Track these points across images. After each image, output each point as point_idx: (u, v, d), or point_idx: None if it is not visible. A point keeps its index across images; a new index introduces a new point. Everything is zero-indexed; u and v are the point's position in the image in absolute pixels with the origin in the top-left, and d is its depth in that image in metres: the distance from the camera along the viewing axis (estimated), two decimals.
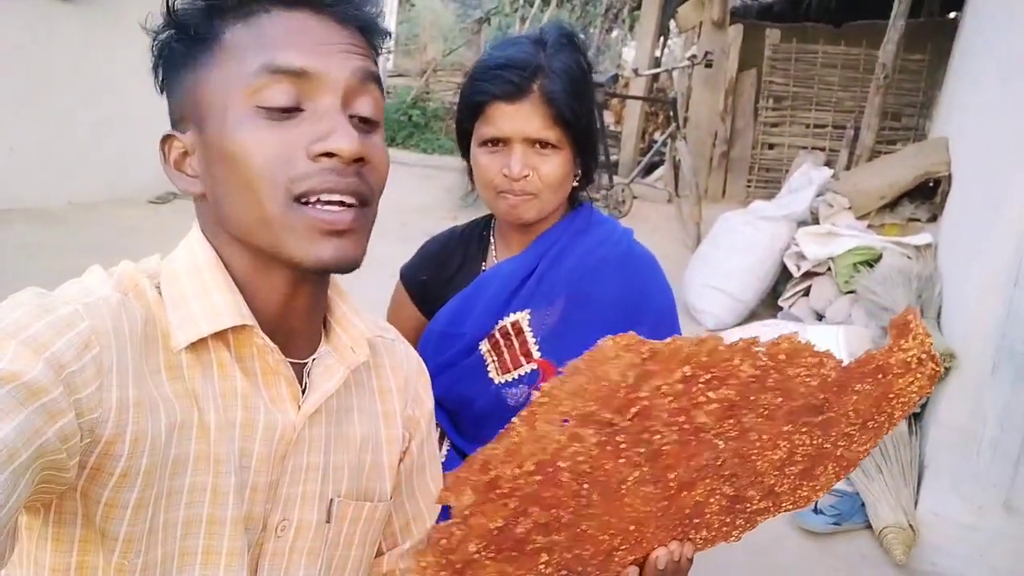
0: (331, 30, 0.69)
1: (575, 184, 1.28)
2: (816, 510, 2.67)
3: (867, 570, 2.46)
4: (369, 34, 0.73)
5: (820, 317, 4.06)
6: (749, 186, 6.87)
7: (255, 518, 0.72)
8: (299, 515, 0.75)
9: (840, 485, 2.86)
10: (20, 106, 4.88)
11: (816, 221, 4.54)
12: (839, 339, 3.44)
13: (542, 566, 0.74)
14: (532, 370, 1.24)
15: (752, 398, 0.71)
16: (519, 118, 1.17)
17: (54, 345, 0.57)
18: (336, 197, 0.66)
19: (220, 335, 0.69)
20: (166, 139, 0.72)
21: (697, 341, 0.69)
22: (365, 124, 0.70)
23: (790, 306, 4.27)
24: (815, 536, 2.60)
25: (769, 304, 4.48)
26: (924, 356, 0.77)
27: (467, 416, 1.29)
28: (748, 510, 0.80)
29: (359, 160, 0.67)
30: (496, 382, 1.25)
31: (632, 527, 0.76)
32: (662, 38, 8.38)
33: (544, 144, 1.18)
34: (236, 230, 0.69)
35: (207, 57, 0.67)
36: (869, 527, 2.63)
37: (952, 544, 2.50)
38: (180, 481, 0.66)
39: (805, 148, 6.59)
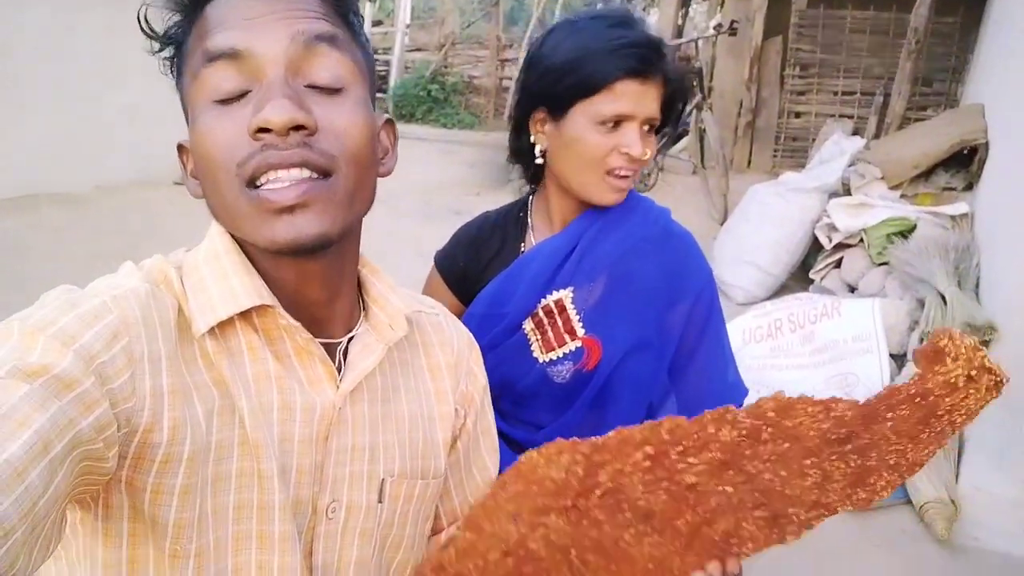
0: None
1: None
2: None
3: (908, 546, 2.44)
4: None
5: (852, 289, 4.02)
6: (775, 156, 6.78)
7: (303, 501, 0.71)
8: (348, 496, 0.74)
9: None
10: (47, 91, 4.91)
11: (847, 192, 4.47)
12: (874, 312, 3.40)
13: None
14: (577, 347, 1.24)
15: (747, 452, 0.69)
16: (646, 98, 1.16)
17: (83, 337, 0.57)
18: (282, 173, 0.63)
19: (246, 318, 0.69)
20: (180, 149, 0.73)
21: (651, 425, 0.68)
22: (324, 91, 0.66)
23: (821, 279, 4.22)
24: (853, 512, 2.58)
25: (800, 277, 4.43)
26: (976, 372, 0.71)
27: (509, 396, 1.28)
28: (795, 522, 0.76)
29: (299, 128, 0.62)
30: (540, 360, 1.25)
31: (651, 565, 0.73)
32: (684, 6, 8.22)
33: (653, 125, 1.19)
34: (223, 224, 0.70)
35: (181, 62, 0.69)
36: (909, 502, 2.61)
37: (995, 519, 2.48)
38: (227, 467, 0.66)
39: (832, 116, 6.47)
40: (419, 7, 13.32)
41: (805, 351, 3.47)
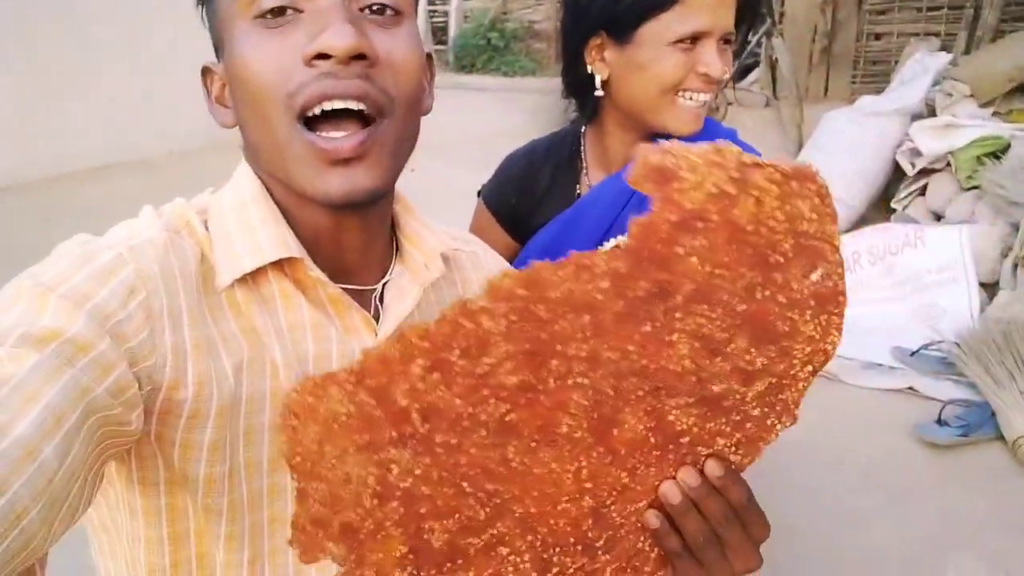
0: None
1: None
2: (940, 421, 2.51)
3: (999, 482, 2.29)
4: None
5: (939, 218, 3.76)
6: (854, 82, 6.37)
7: None
8: None
9: (967, 393, 2.67)
10: (119, 58, 5.00)
11: (932, 113, 4.15)
12: (962, 239, 3.19)
13: (512, 559, 0.60)
14: None
15: (543, 336, 0.53)
16: (723, 7, 1.06)
17: (97, 295, 0.54)
18: (338, 104, 0.58)
19: (278, 266, 0.65)
20: (205, 72, 0.68)
21: (390, 340, 0.53)
22: (381, 16, 0.61)
23: (904, 208, 3.97)
24: (940, 449, 2.44)
25: (881, 208, 4.18)
26: (737, 173, 0.51)
27: None
28: (747, 400, 0.57)
29: (361, 58, 0.58)
30: None
31: (588, 484, 0.59)
32: None
33: (730, 39, 1.09)
34: (259, 160, 0.65)
35: None
36: (1001, 438, 2.45)
37: None
38: (259, 419, 0.63)
39: (917, 35, 6.02)
40: None
41: (886, 284, 3.29)
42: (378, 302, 0.72)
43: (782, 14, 6.61)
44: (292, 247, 0.64)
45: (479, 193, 1.35)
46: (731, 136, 1.19)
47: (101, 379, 0.51)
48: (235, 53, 0.61)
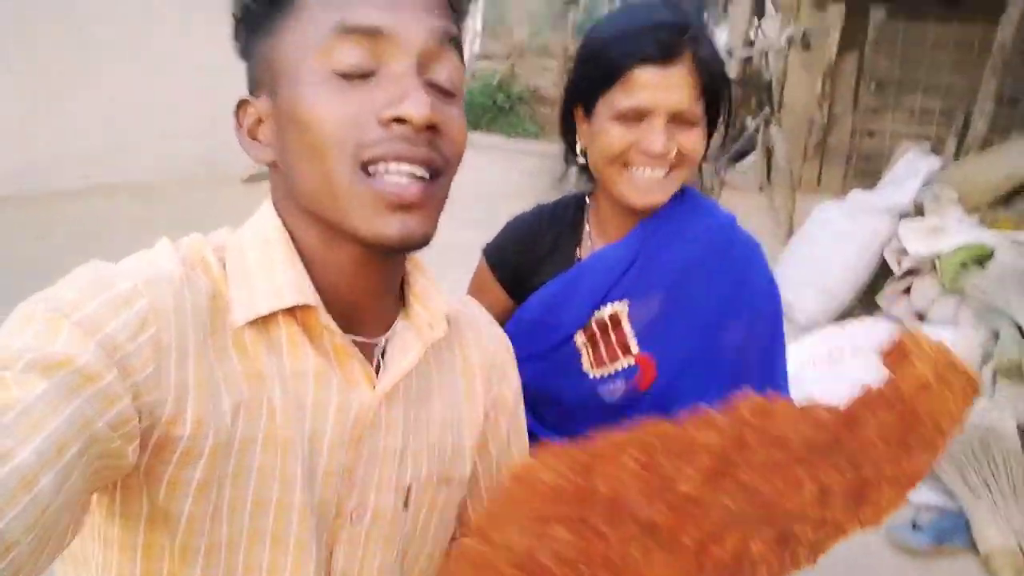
0: None
1: None
2: (914, 526, 2.50)
3: None
4: None
5: (922, 318, 3.82)
6: (846, 176, 6.52)
7: (328, 503, 0.68)
8: (375, 501, 0.71)
9: (941, 501, 2.67)
10: (124, 80, 4.99)
11: (921, 214, 4.26)
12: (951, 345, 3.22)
13: None
14: (630, 364, 1.15)
15: (736, 459, 0.67)
16: (668, 86, 1.05)
17: (109, 326, 0.55)
18: (405, 167, 0.62)
19: (290, 311, 0.66)
20: (241, 105, 0.69)
21: (637, 429, 0.67)
22: (442, 93, 0.66)
23: (889, 305, 4.03)
24: (913, 554, 2.43)
25: (867, 302, 4.24)
26: (943, 371, 0.71)
27: (555, 408, 1.22)
28: (804, 542, 0.74)
29: (432, 128, 0.63)
30: (591, 376, 1.18)
31: None
32: (756, 19, 8.04)
33: (686, 118, 1.08)
34: (304, 200, 0.66)
35: (283, 19, 0.65)
36: (974, 549, 2.45)
37: None
38: (249, 462, 0.63)
39: (909, 136, 6.20)
40: (489, 17, 13.41)
41: (868, 380, 3.31)
42: (380, 356, 0.73)
43: (781, 104, 6.81)
44: (308, 295, 0.65)
45: (484, 250, 1.36)
46: (730, 221, 1.22)
47: (104, 411, 0.52)
48: (301, 99, 0.63)
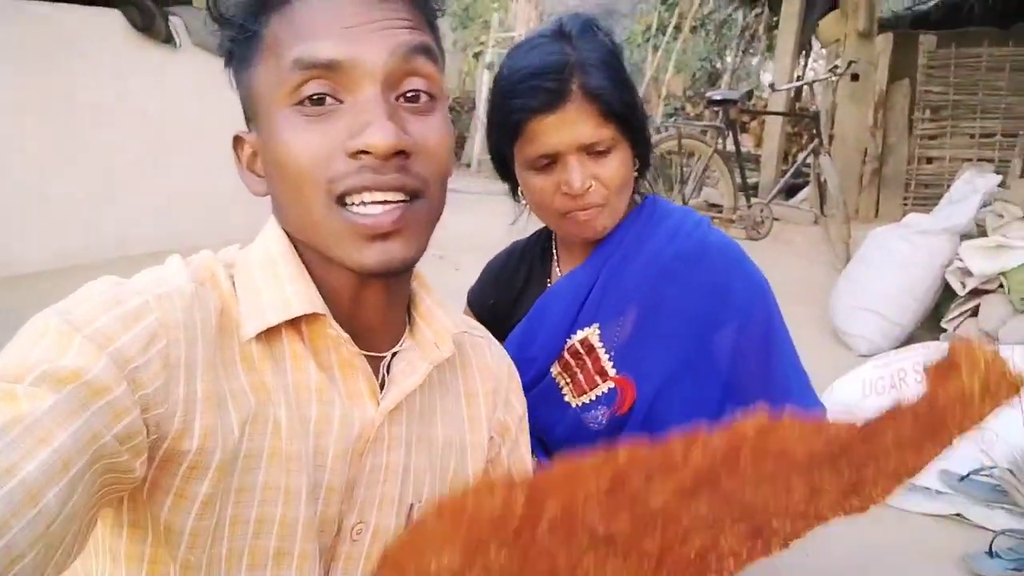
0: (367, 5, 0.62)
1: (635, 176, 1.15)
2: (991, 553, 2.32)
3: None
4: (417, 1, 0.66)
5: (992, 339, 3.61)
6: (906, 204, 6.34)
7: (329, 519, 0.67)
8: (376, 519, 0.70)
9: (1021, 524, 2.47)
10: (135, 158, 5.09)
11: (983, 233, 4.07)
12: (1015, 362, 3.03)
13: None
14: (610, 388, 1.12)
15: (720, 473, 0.61)
16: (565, 126, 1.03)
17: (119, 339, 0.55)
18: (378, 195, 0.61)
19: (294, 325, 0.66)
20: (237, 141, 0.71)
21: (606, 454, 0.59)
22: (417, 103, 0.64)
23: (955, 328, 3.83)
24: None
25: (931, 327, 4.05)
26: (995, 383, 0.64)
27: (544, 443, 1.19)
28: (780, 533, 0.68)
29: (400, 154, 0.61)
30: (574, 406, 1.15)
31: None
32: (802, 55, 7.99)
33: (598, 147, 1.05)
34: (291, 230, 0.67)
35: (253, 55, 0.65)
36: None
37: None
38: (253, 477, 0.63)
39: (970, 160, 6.00)
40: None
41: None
42: (385, 372, 0.72)
43: (831, 136, 6.70)
44: (318, 304, 0.65)
45: (467, 294, 1.37)
46: (701, 225, 1.17)
47: (112, 424, 0.52)
48: (274, 135, 0.63)
